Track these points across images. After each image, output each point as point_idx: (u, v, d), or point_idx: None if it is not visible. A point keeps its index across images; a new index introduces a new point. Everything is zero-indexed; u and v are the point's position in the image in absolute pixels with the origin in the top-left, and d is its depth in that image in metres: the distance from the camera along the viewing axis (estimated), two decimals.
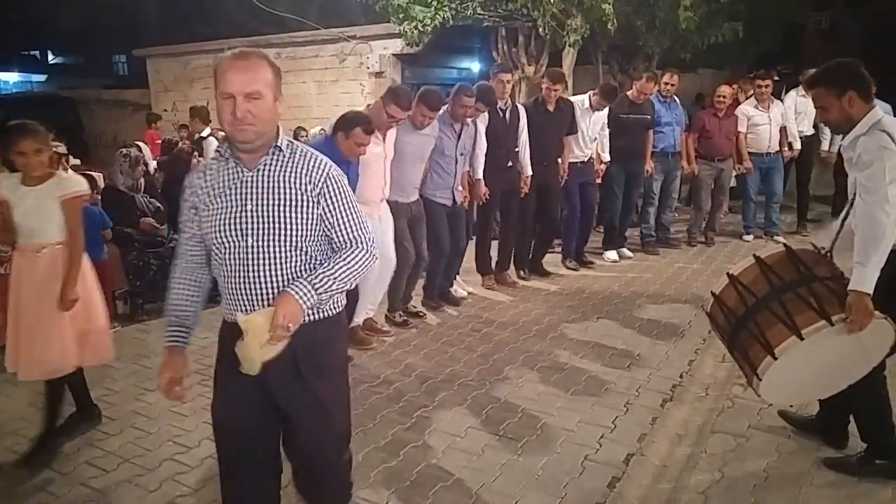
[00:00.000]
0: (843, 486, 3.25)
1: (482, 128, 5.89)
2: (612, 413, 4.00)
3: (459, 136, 5.60)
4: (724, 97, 7.79)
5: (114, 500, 3.25)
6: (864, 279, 2.83)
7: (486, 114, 5.89)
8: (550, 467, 3.45)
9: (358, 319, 5.01)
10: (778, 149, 8.08)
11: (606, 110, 7.05)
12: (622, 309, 5.88)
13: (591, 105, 6.90)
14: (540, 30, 9.86)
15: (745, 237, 8.32)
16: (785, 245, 3.23)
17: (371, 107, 4.95)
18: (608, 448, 3.63)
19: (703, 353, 4.89)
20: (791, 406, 3.80)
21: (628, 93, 7.40)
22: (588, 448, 3.62)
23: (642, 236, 7.99)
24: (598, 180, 7.31)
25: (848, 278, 2.93)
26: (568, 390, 4.31)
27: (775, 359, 2.90)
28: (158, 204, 5.95)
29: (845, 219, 3.21)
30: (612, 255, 7.57)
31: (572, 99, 6.89)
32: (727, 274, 3.25)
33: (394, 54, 12.93)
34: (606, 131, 7.17)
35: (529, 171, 6.34)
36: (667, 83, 7.60)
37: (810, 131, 8.46)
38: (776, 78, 14.51)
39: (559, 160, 6.72)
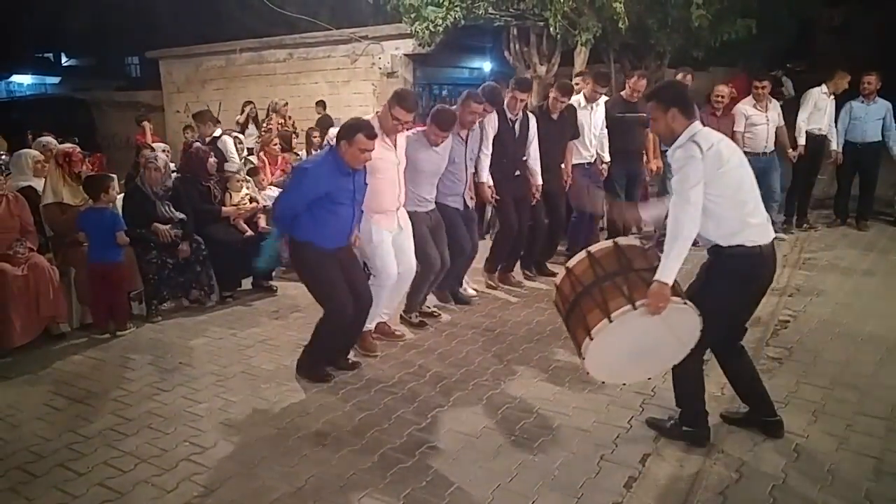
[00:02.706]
0: (861, 486, 3.23)
1: (490, 132, 5.86)
2: (628, 413, 3.99)
3: (467, 142, 5.59)
4: (721, 96, 7.72)
5: (131, 500, 3.27)
6: (664, 270, 3.21)
7: (495, 120, 5.88)
8: (566, 467, 3.44)
9: (370, 325, 5.02)
10: (773, 149, 8.00)
11: (604, 106, 7.02)
12: None
13: (586, 98, 6.88)
14: (551, 29, 9.84)
15: None
16: (614, 241, 3.57)
17: (379, 113, 4.93)
18: (624, 448, 3.62)
19: None
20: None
21: (622, 92, 7.32)
22: (604, 448, 3.61)
23: (659, 236, 7.92)
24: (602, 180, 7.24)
25: None
26: (583, 390, 4.30)
27: (591, 339, 3.24)
28: (182, 215, 5.94)
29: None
30: None
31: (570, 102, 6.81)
32: (564, 267, 3.62)
33: (405, 54, 12.97)
34: (605, 131, 7.10)
35: (540, 180, 6.32)
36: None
37: (825, 130, 8.36)
38: (779, 76, 14.45)
39: (562, 166, 6.71)
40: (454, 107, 5.55)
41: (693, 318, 3.27)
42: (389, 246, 4.91)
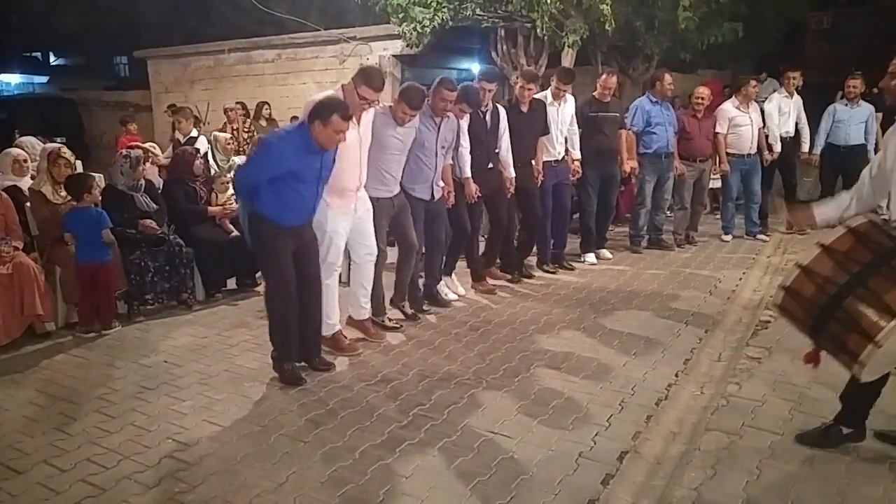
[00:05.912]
0: (835, 484, 3.28)
1: (465, 125, 5.84)
2: (608, 411, 4.03)
3: (439, 129, 5.50)
4: (702, 98, 7.78)
5: (114, 496, 3.28)
6: None
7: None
8: (545, 464, 3.48)
9: (333, 321, 4.95)
10: (756, 151, 8.08)
11: (573, 105, 7.00)
12: (618, 308, 5.91)
13: (553, 96, 6.82)
14: (539, 30, 9.89)
15: (724, 237, 8.36)
16: (847, 227, 3.12)
17: (344, 87, 4.74)
18: (602, 445, 3.66)
19: (698, 352, 4.92)
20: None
21: (594, 93, 7.33)
22: (582, 445, 3.65)
23: (630, 236, 7.99)
24: (574, 178, 7.20)
25: None
26: (564, 389, 4.34)
27: None
28: (155, 205, 5.97)
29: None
30: (590, 257, 7.48)
31: (537, 96, 6.72)
32: (797, 265, 3.16)
33: (394, 55, 12.99)
34: (576, 127, 7.05)
35: (513, 173, 6.30)
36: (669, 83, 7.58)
37: (793, 132, 8.47)
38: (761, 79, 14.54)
39: (533, 161, 6.66)
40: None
41: None
42: (341, 240, 4.84)
